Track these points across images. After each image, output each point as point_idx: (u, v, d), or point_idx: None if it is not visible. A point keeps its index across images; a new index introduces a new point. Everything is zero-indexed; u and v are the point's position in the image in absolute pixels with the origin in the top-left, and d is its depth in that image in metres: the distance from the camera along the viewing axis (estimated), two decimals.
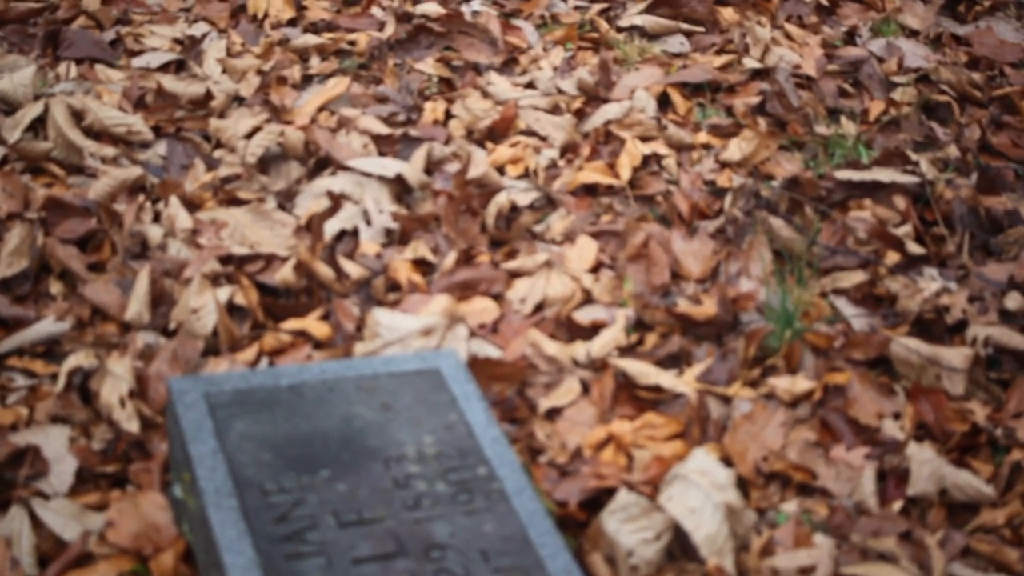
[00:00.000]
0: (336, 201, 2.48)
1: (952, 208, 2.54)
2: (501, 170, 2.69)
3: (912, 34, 3.44)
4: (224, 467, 1.69)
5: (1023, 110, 3.03)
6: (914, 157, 2.69)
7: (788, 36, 3.35)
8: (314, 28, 3.24)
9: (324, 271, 2.29)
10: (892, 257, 2.41)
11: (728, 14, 3.40)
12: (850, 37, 3.39)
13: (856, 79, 3.16)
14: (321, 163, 2.64)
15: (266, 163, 2.64)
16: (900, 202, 2.55)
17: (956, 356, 2.11)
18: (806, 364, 2.16)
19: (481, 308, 2.25)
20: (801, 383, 2.09)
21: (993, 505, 1.90)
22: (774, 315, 2.21)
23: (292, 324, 2.18)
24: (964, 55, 3.32)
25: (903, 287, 2.30)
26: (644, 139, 2.79)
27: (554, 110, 2.92)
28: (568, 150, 2.77)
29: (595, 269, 2.40)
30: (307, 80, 3.02)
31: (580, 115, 2.91)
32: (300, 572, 1.57)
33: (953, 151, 2.80)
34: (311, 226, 2.41)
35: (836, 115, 3.00)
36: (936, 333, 2.23)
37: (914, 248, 2.43)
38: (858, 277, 2.35)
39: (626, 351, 2.19)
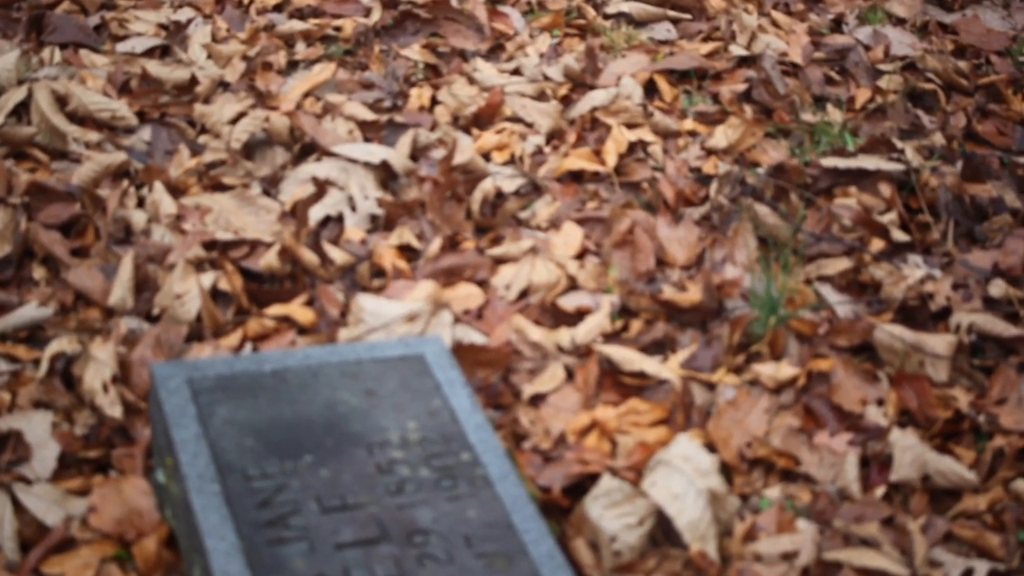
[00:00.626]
0: (321, 187, 2.47)
1: (937, 195, 2.54)
2: (487, 156, 2.69)
3: (899, 22, 3.44)
4: (207, 452, 1.69)
5: (1009, 98, 3.03)
6: (900, 145, 2.69)
7: (775, 23, 3.35)
8: (300, 14, 3.23)
9: (309, 257, 2.29)
10: (877, 244, 2.41)
11: (715, 1, 3.40)
12: (837, 25, 3.39)
13: (842, 67, 3.16)
14: (306, 149, 2.64)
15: (251, 149, 2.63)
16: (885, 189, 2.55)
17: (940, 343, 2.12)
18: (790, 351, 2.16)
19: (466, 294, 2.25)
20: (785, 369, 2.09)
21: (975, 491, 1.90)
22: (759, 302, 2.21)
23: (276, 310, 2.18)
24: (950, 43, 3.33)
25: (888, 274, 2.31)
26: (630, 126, 2.79)
27: (540, 96, 2.91)
28: (554, 136, 2.77)
29: (580, 255, 2.40)
30: (293, 66, 3.01)
31: (566, 102, 2.91)
32: (283, 557, 1.56)
33: (939, 139, 2.80)
34: (296, 212, 2.41)
35: (822, 102, 3.00)
36: (920, 320, 2.23)
37: (899, 235, 2.43)
38: (843, 264, 2.35)
39: (611, 337, 2.19)
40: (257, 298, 2.21)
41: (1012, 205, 2.56)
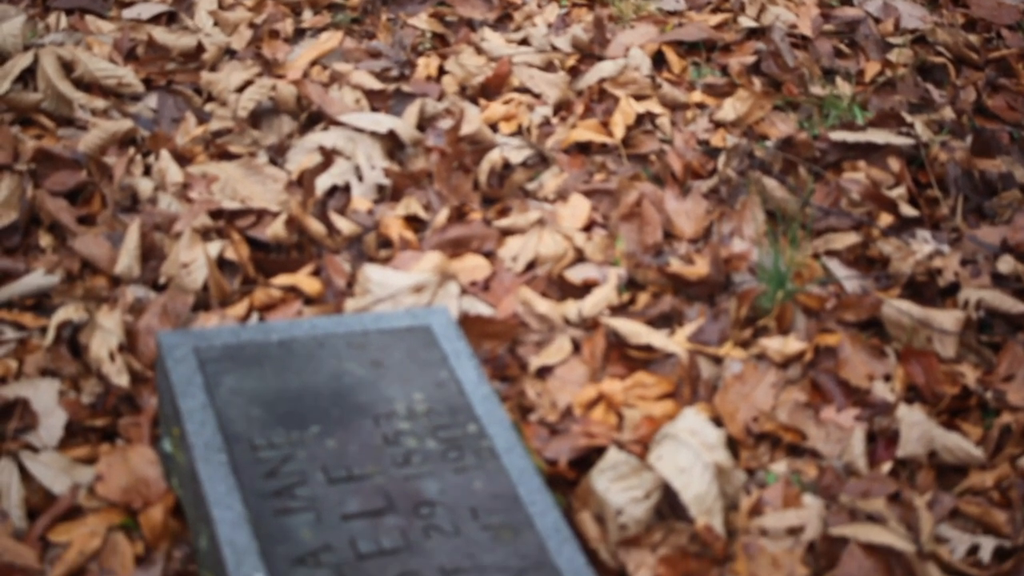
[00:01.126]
0: (328, 156, 2.47)
1: (946, 170, 2.53)
2: (494, 127, 2.68)
3: None
4: (213, 422, 1.69)
5: (1019, 72, 3.02)
6: (909, 119, 2.68)
7: None
8: None
9: (315, 226, 2.28)
10: (885, 219, 2.40)
11: None
12: None
13: (852, 39, 3.14)
14: (313, 118, 2.63)
15: (258, 117, 2.62)
16: (894, 164, 2.54)
17: (948, 319, 2.11)
18: (798, 325, 2.16)
19: (473, 265, 2.24)
20: (792, 344, 2.09)
21: (982, 467, 1.90)
22: (766, 276, 2.20)
23: (283, 279, 2.17)
24: (961, 17, 3.30)
25: (896, 249, 2.30)
26: (638, 97, 2.78)
27: (548, 67, 2.90)
28: (562, 107, 2.76)
29: (587, 228, 2.39)
30: (299, 34, 3.00)
31: (574, 72, 2.89)
32: (289, 527, 1.57)
33: (948, 113, 2.79)
34: (303, 181, 2.40)
35: (831, 75, 2.99)
36: (928, 296, 2.23)
37: (907, 210, 2.42)
38: (851, 239, 2.34)
39: (618, 310, 2.18)
40: (264, 267, 2.21)
41: (1022, 180, 2.54)
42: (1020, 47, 3.12)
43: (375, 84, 2.73)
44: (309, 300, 2.15)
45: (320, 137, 2.52)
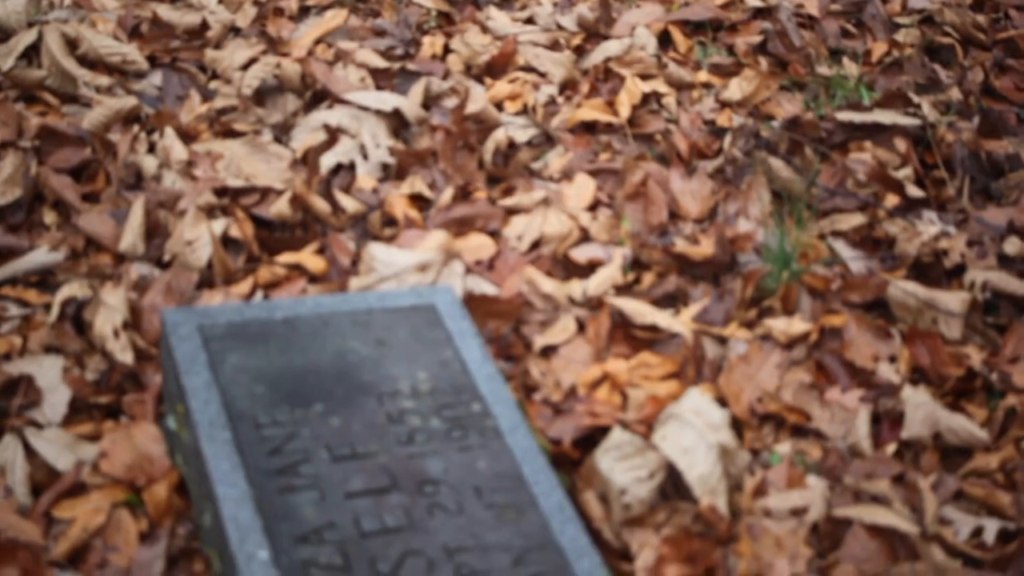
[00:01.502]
0: (333, 135, 2.46)
1: (953, 151, 2.52)
2: (499, 106, 2.67)
3: None
4: (218, 400, 1.69)
5: None
6: (916, 99, 2.67)
7: None
8: None
9: (320, 205, 2.27)
10: (891, 200, 2.40)
11: None
12: None
13: (859, 19, 3.13)
14: (318, 96, 2.62)
15: (262, 95, 2.61)
16: (901, 144, 2.53)
17: (953, 300, 2.10)
18: (803, 306, 2.15)
19: (477, 244, 2.24)
20: (797, 325, 2.08)
21: (987, 450, 1.90)
22: (772, 256, 2.20)
23: (287, 258, 2.17)
24: None
25: (902, 230, 2.29)
26: (644, 77, 2.77)
27: (553, 46, 2.89)
28: (567, 87, 2.75)
29: (593, 207, 2.38)
30: (304, 12, 2.99)
31: (580, 52, 2.88)
32: (293, 505, 1.57)
33: (956, 94, 2.78)
34: (307, 159, 2.39)
35: (838, 56, 2.98)
36: (934, 277, 2.22)
37: (914, 191, 2.42)
38: (857, 219, 2.34)
39: (623, 290, 2.18)
40: (268, 245, 2.21)
41: None
42: None
43: (380, 62, 2.72)
44: (313, 278, 2.15)
45: (325, 115, 2.52)
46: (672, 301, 2.17)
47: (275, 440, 1.65)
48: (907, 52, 2.95)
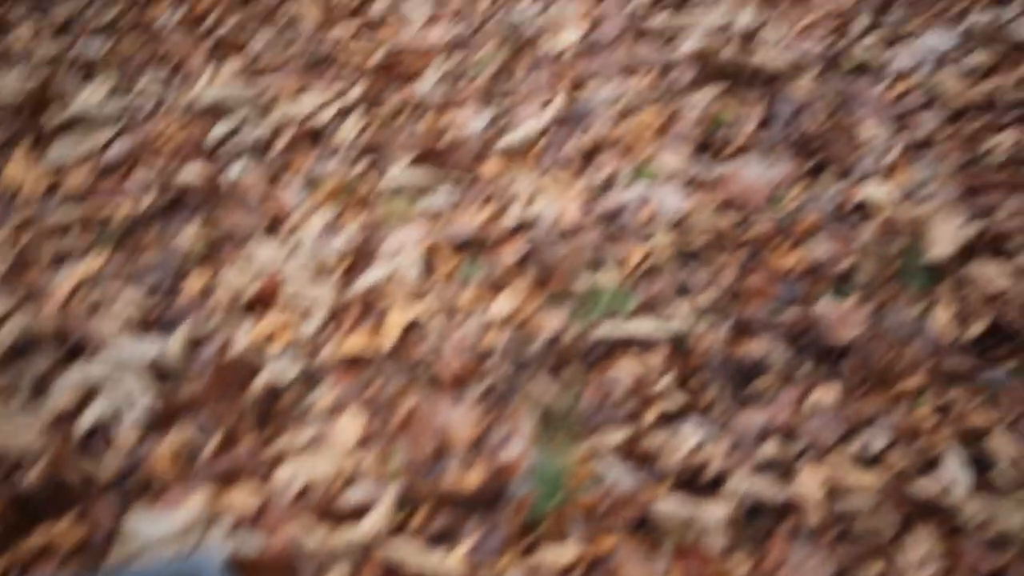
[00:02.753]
0: (91, 389, 2.40)
1: (709, 356, 2.61)
2: (267, 340, 2.65)
3: (669, 177, 3.55)
4: None
5: (774, 251, 3.15)
6: (672, 305, 2.76)
7: (552, 181, 3.42)
8: (70, 200, 3.16)
9: (78, 469, 2.20)
10: (653, 412, 2.45)
11: (492, 166, 3.46)
12: (609, 184, 3.48)
13: (617, 226, 3.24)
14: (75, 348, 2.56)
15: (15, 352, 2.54)
16: (660, 353, 2.61)
17: (715, 511, 2.15)
18: (575, 529, 2.17)
19: (244, 497, 2.19)
20: (569, 551, 2.09)
21: None
22: (541, 480, 2.22)
23: (41, 534, 2.08)
24: (718, 197, 3.44)
25: (663, 443, 2.35)
26: (410, 300, 2.80)
27: (319, 274, 2.90)
28: (333, 317, 2.76)
29: (362, 443, 2.37)
30: (61, 259, 2.94)
31: (346, 278, 2.90)
32: None
33: (710, 295, 2.88)
34: (62, 420, 2.33)
35: (599, 264, 3.07)
36: (698, 487, 2.27)
37: (675, 400, 2.48)
38: (621, 435, 2.38)
39: (395, 531, 2.16)
40: (20, 520, 2.12)
41: (781, 359, 2.64)
42: (773, 225, 3.27)
43: (142, 305, 2.69)
44: (71, 551, 2.07)
45: (83, 368, 2.46)
46: (446, 537, 2.16)
47: None
48: (662, 256, 3.06)
